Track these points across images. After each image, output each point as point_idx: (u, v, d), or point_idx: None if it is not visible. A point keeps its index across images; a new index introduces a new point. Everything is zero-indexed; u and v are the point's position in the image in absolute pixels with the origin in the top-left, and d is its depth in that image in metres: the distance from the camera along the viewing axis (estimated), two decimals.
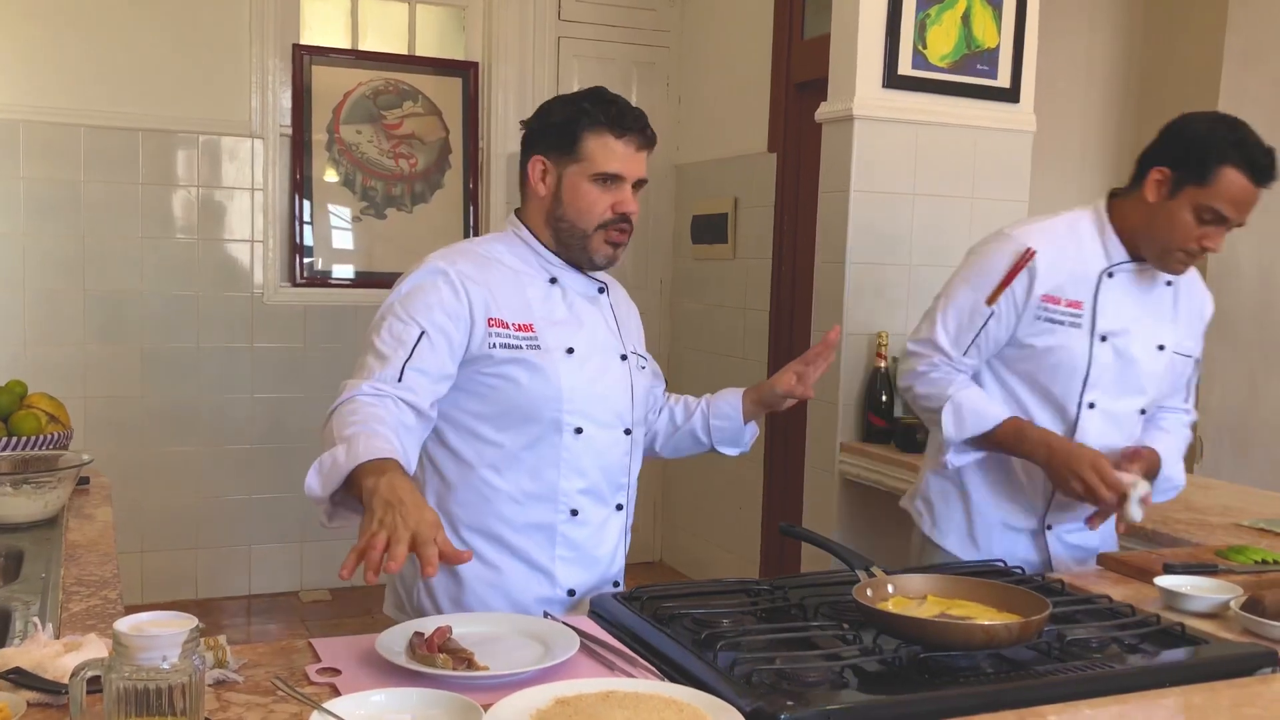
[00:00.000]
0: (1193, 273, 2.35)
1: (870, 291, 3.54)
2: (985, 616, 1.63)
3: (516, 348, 1.90)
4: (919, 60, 3.47)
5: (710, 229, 5.25)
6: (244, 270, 4.95)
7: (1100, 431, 2.26)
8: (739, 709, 1.33)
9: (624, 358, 2.04)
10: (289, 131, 4.94)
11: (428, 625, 1.54)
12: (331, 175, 5.04)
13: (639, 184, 1.96)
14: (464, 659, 1.45)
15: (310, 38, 5.04)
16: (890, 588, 1.73)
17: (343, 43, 5.13)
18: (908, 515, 3.51)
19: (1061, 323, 2.23)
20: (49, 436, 2.50)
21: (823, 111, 3.58)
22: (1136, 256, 2.25)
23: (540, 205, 1.99)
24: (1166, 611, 1.81)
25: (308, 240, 5.02)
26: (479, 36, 5.29)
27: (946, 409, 2.26)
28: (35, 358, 4.57)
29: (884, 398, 3.50)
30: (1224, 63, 3.97)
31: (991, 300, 2.25)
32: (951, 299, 2.32)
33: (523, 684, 1.41)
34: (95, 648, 1.40)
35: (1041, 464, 2.20)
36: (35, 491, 2.17)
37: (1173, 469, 2.31)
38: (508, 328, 1.90)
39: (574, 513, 1.98)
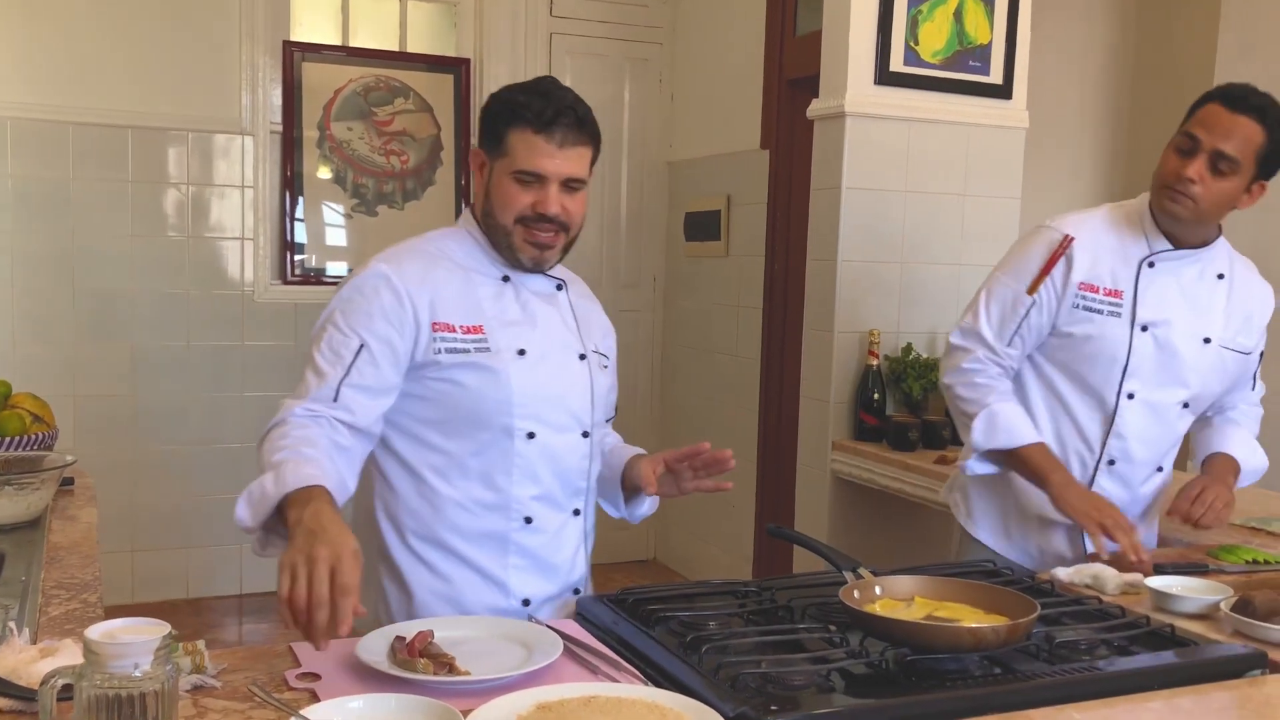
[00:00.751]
0: (1249, 268, 2.35)
1: (862, 289, 3.53)
2: (973, 618, 1.61)
3: (464, 351, 1.83)
4: (911, 57, 3.46)
5: (703, 226, 5.23)
6: (234, 268, 4.92)
7: (1140, 423, 2.26)
8: (723, 713, 1.32)
9: (583, 357, 1.96)
10: (279, 128, 4.92)
11: (409, 629, 1.53)
12: (323, 172, 5.02)
13: (574, 183, 1.86)
14: (445, 664, 1.44)
15: (301, 34, 5.02)
16: (878, 589, 1.71)
17: (333, 39, 5.10)
18: (903, 513, 3.52)
19: (1100, 311, 2.23)
20: (33, 437, 2.47)
21: (814, 108, 3.57)
22: (1181, 245, 2.24)
23: (479, 197, 1.93)
24: (1156, 613, 1.79)
25: (299, 238, 5.00)
26: (470, 33, 5.26)
27: (981, 416, 2.25)
28: (24, 356, 4.54)
29: (876, 396, 3.49)
30: (1217, 58, 3.95)
31: (1033, 290, 2.26)
32: (993, 291, 2.32)
33: (505, 689, 1.39)
34: (72, 653, 1.38)
35: (1056, 489, 2.17)
36: (17, 493, 2.15)
37: (1253, 459, 2.37)
38: (454, 331, 1.83)
39: (528, 520, 1.90)
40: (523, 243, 1.86)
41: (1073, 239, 2.25)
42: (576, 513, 1.98)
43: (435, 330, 1.82)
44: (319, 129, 4.99)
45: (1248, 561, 2.08)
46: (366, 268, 1.86)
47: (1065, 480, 2.19)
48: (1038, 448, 2.23)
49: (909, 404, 3.53)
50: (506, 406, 1.84)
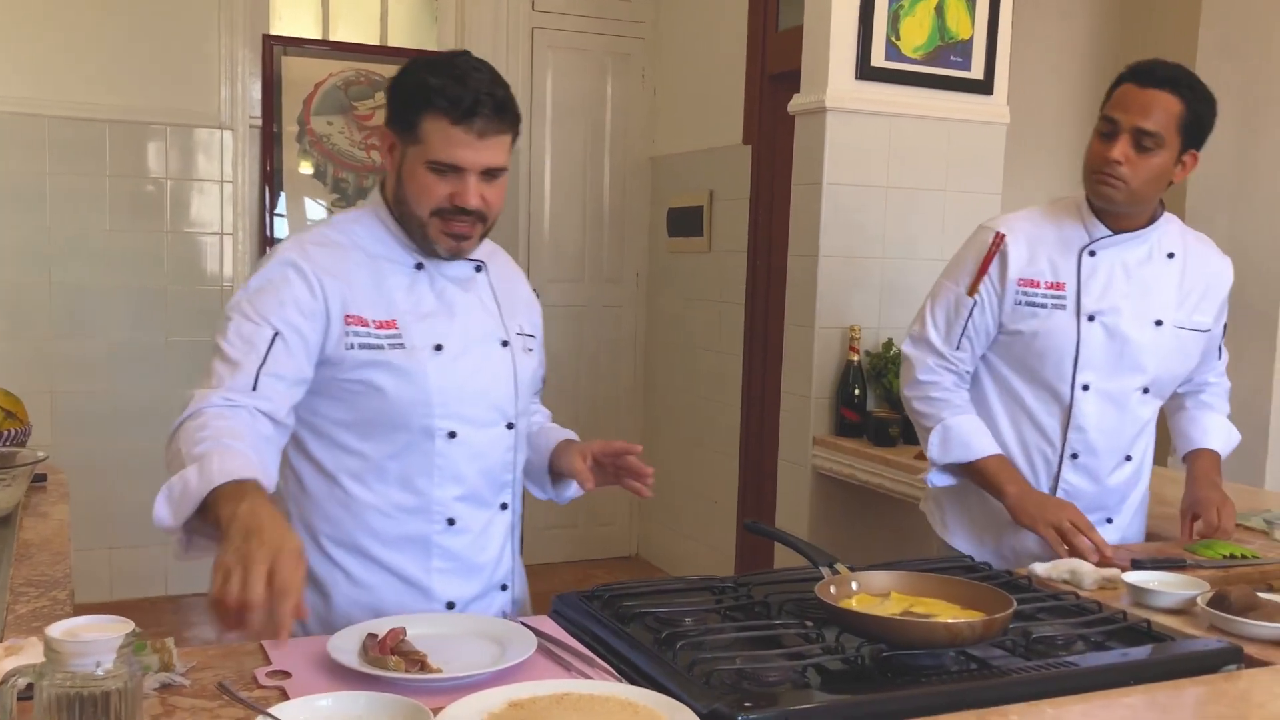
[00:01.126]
0: (1203, 242, 2.35)
1: (843, 285, 3.52)
2: (949, 614, 1.60)
3: (377, 348, 1.72)
4: (892, 52, 3.45)
5: (686, 222, 5.22)
6: (213, 263, 4.89)
7: (1098, 413, 2.25)
8: (696, 710, 1.31)
9: (505, 344, 1.86)
10: (259, 123, 4.88)
11: (381, 626, 1.51)
12: (304, 167, 4.98)
13: (494, 172, 1.74)
14: (417, 661, 1.42)
15: (280, 28, 4.99)
16: (854, 585, 1.70)
17: (313, 33, 5.07)
18: (884, 509, 3.51)
19: (1044, 305, 2.22)
20: (6, 433, 2.45)
21: (795, 103, 3.56)
22: (1121, 230, 2.24)
23: (390, 181, 1.80)
24: (1134, 608, 1.79)
25: (279, 232, 4.96)
26: (451, 27, 5.24)
27: (936, 430, 2.28)
28: (1, 352, 4.50)
29: (856, 391, 3.48)
30: (1198, 55, 3.96)
31: (972, 290, 2.26)
32: (937, 297, 2.35)
33: (477, 686, 1.38)
34: (37, 651, 1.36)
35: (1012, 500, 2.19)
36: None
37: (1229, 442, 2.45)
38: (367, 325, 1.72)
39: (450, 522, 1.81)
40: (439, 234, 1.75)
41: (1004, 236, 2.26)
42: (504, 507, 1.89)
43: (348, 323, 1.72)
44: (299, 123, 4.96)
45: (1225, 556, 2.08)
46: (274, 256, 1.75)
47: (1021, 490, 2.19)
48: (993, 460, 2.24)
49: (890, 400, 3.52)
50: (425, 406, 1.74)
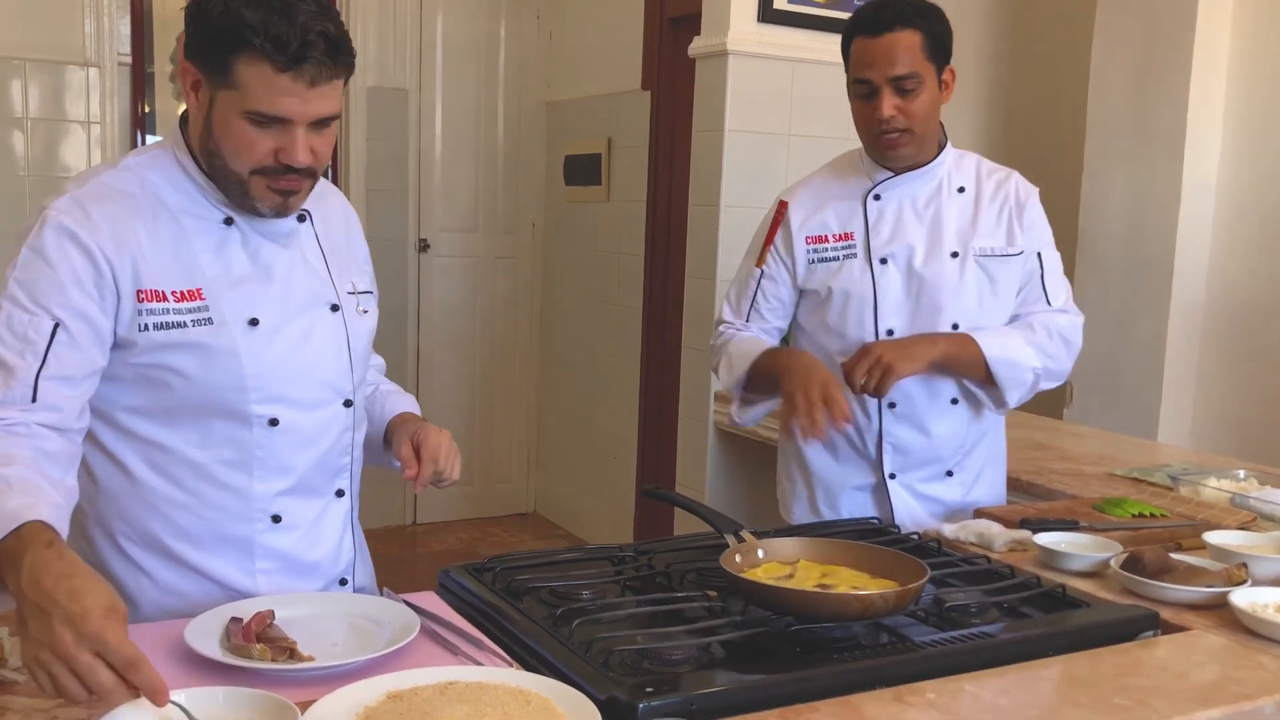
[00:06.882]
0: (1005, 174, 2.25)
1: (745, 236, 3.40)
2: (860, 582, 1.53)
3: (179, 325, 1.46)
4: None
5: (583, 170, 5.08)
6: None
7: None
8: (593, 698, 1.21)
9: (336, 308, 1.61)
10: (128, 60, 4.59)
11: (247, 609, 1.38)
12: (179, 108, 4.71)
13: (326, 121, 1.47)
14: (285, 649, 1.30)
15: None
16: (760, 553, 1.62)
17: None
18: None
19: (836, 258, 2.20)
20: None
21: (696, 47, 3.44)
22: (905, 169, 2.18)
23: (196, 125, 1.50)
24: (1045, 571, 1.74)
25: None
26: None
27: (720, 362, 2.26)
28: None
29: None
30: (1097, 7, 3.94)
31: (760, 261, 2.26)
32: (736, 275, 2.36)
33: (353, 675, 1.26)
34: None
35: (782, 370, 2.07)
36: None
37: (1005, 349, 2.11)
38: (165, 300, 1.46)
39: (276, 519, 1.58)
40: (264, 192, 1.48)
41: (787, 203, 2.25)
42: (340, 494, 1.65)
43: (141, 300, 1.45)
44: (173, 62, 4.67)
45: (1135, 515, 2.04)
46: (44, 220, 1.44)
47: (789, 359, 2.08)
48: (765, 356, 2.16)
49: None
50: (239, 392, 1.50)
